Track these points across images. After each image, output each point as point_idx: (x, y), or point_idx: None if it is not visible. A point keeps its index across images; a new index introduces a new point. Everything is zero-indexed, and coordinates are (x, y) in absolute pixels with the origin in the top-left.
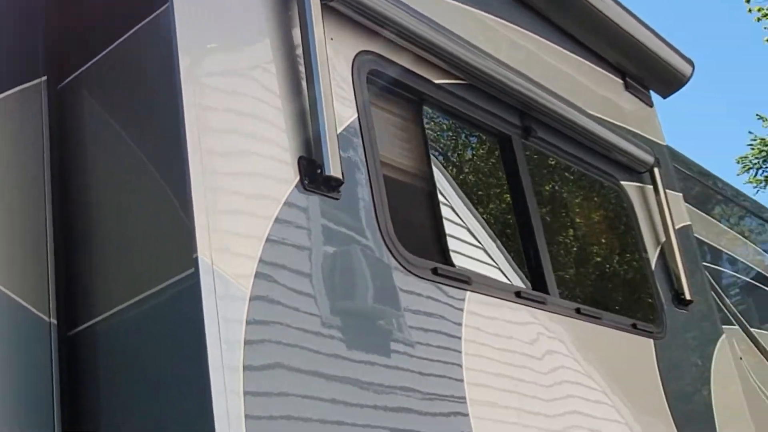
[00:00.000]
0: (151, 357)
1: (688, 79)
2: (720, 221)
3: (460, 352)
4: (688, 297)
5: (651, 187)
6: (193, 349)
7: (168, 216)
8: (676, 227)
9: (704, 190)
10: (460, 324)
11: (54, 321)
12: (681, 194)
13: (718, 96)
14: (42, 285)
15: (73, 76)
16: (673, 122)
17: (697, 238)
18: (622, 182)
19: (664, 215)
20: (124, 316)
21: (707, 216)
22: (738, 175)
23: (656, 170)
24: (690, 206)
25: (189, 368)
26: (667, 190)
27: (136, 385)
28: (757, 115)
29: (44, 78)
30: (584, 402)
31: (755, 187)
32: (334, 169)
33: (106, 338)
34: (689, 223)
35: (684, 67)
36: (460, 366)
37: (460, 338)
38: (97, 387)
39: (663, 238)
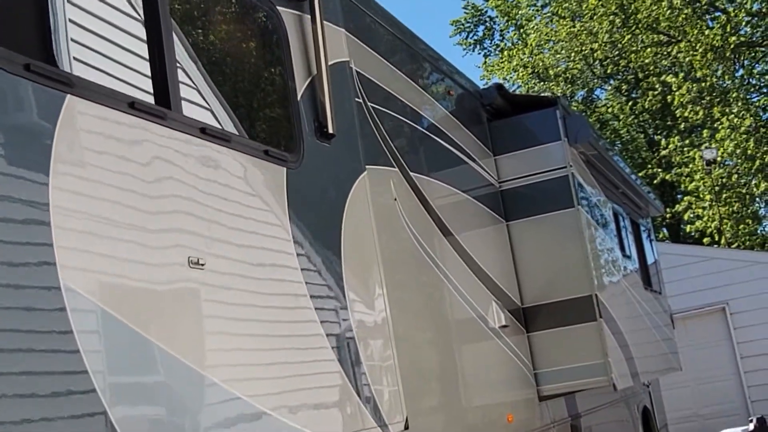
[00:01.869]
0: None
1: None
2: (399, 68)
3: (48, 166)
4: (330, 131)
5: (309, 17)
6: None
7: None
8: (331, 62)
9: (387, 34)
10: (52, 132)
11: None
12: (343, 30)
13: None
14: None
15: None
16: None
17: (368, 78)
18: (279, 7)
19: (318, 47)
20: None
21: (384, 59)
22: (450, 36)
23: (316, 1)
24: (367, 47)
25: None
26: (328, 23)
27: None
28: None
29: None
30: (194, 222)
31: (464, 49)
32: None
33: None
34: (347, 59)
35: None
36: (46, 185)
37: (50, 149)
38: None
39: (315, 71)
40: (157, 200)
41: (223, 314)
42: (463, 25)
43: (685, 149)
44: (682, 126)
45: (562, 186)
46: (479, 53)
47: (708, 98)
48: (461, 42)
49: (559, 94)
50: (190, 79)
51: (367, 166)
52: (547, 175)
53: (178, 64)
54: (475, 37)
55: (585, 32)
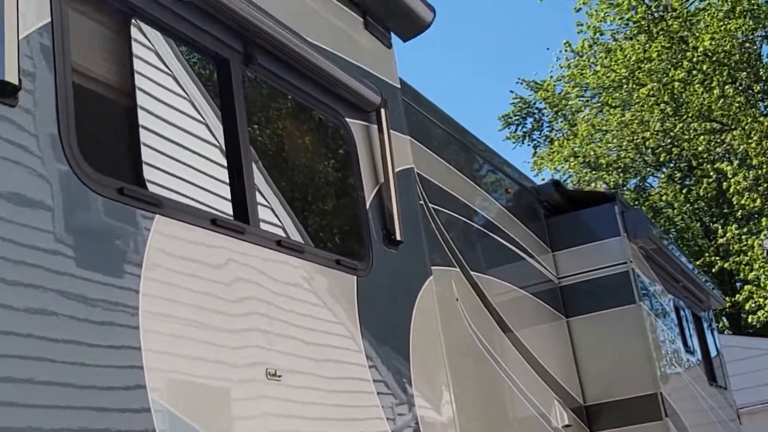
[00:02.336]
0: None
1: (429, 24)
2: (456, 167)
3: (139, 277)
4: (398, 238)
5: (377, 127)
6: None
7: None
8: (397, 169)
9: (445, 136)
10: (143, 250)
11: None
12: (408, 138)
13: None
14: None
15: None
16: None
17: (429, 181)
18: (348, 119)
19: (385, 156)
20: None
21: (443, 161)
22: (499, 130)
23: (383, 111)
24: (427, 149)
25: None
26: (394, 132)
27: None
28: (518, 79)
29: None
30: (275, 336)
31: (514, 142)
32: (9, 73)
33: None
34: (412, 166)
35: (425, 12)
36: (137, 293)
37: (140, 265)
38: None
39: (382, 179)
40: (236, 315)
41: (299, 427)
42: (511, 118)
43: (743, 237)
44: (739, 213)
45: (623, 282)
46: (528, 145)
47: (765, 185)
48: (510, 135)
49: (615, 189)
50: (265, 192)
51: (431, 268)
52: (607, 271)
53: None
54: (524, 130)
55: (636, 121)
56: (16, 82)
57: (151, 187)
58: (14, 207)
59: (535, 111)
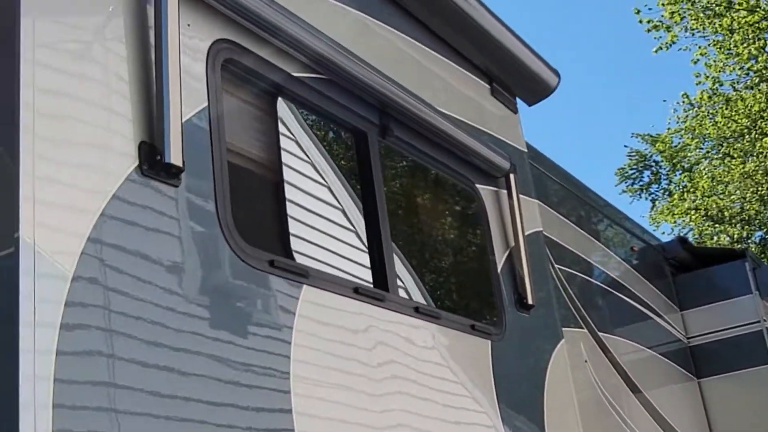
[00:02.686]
0: None
1: (554, 89)
2: (580, 226)
3: (289, 344)
4: (530, 301)
5: (506, 191)
6: (4, 332)
7: None
8: (527, 233)
9: (567, 194)
10: (292, 317)
11: None
12: (536, 201)
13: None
14: None
15: None
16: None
17: (554, 241)
18: (478, 185)
19: (515, 220)
20: None
21: (567, 220)
22: (616, 185)
23: (512, 176)
24: (550, 209)
25: None
26: (522, 196)
27: None
28: (632, 133)
29: None
30: (414, 400)
31: (631, 196)
32: (174, 156)
33: None
34: (540, 229)
35: (550, 78)
36: (288, 358)
37: (290, 332)
38: None
39: (512, 243)
40: (379, 379)
41: None
42: (627, 172)
43: None
44: None
45: (757, 341)
46: (646, 198)
47: None
48: (627, 189)
49: (745, 246)
50: (402, 259)
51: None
52: (739, 330)
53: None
54: (641, 183)
55: (760, 172)
56: (180, 164)
57: (298, 258)
58: (177, 277)
59: (652, 164)
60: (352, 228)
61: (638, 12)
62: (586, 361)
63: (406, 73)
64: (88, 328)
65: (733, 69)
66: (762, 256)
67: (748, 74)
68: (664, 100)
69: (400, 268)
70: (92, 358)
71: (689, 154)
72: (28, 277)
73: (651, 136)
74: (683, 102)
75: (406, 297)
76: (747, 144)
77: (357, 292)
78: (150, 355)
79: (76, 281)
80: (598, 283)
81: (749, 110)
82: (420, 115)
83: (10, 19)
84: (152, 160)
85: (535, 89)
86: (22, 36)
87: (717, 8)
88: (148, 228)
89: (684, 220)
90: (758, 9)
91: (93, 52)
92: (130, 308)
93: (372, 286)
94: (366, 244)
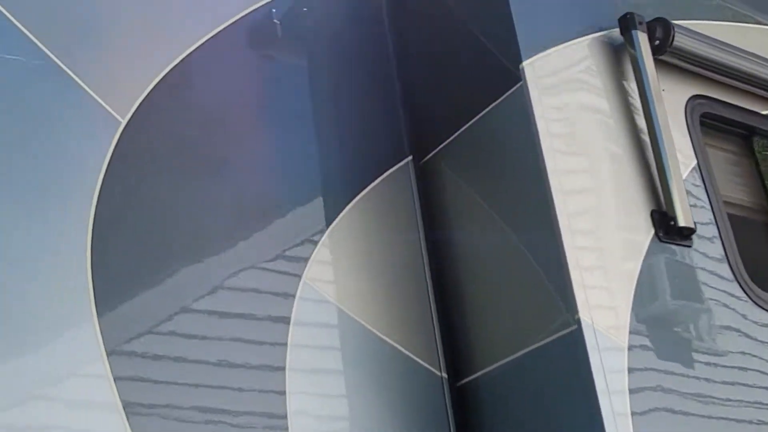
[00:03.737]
0: (536, 405)
1: None
2: None
3: None
4: None
5: None
6: (583, 399)
7: (540, 279)
8: None
9: None
10: None
11: (445, 375)
12: None
13: None
14: (431, 344)
15: (434, 152)
16: None
17: None
18: None
19: None
20: (507, 368)
21: None
22: None
23: None
24: None
25: (579, 416)
26: None
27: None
28: None
29: (410, 157)
30: None
31: None
32: (685, 219)
33: (491, 389)
34: None
35: None
36: None
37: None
38: None
39: None
40: None
41: None
42: None
43: None
44: None
45: None
46: None
47: None
48: None
49: None
50: None
51: None
52: None
53: None
54: None
55: None
56: (692, 226)
57: None
58: (704, 332)
59: None
60: None
61: None
62: None
63: None
64: (652, 390)
65: None
66: None
67: None
68: None
69: None
70: (659, 414)
71: None
72: (594, 352)
73: None
74: None
75: None
76: None
77: None
78: (699, 407)
79: (631, 350)
80: None
81: None
82: None
83: (526, 124)
84: (667, 226)
85: None
86: (540, 134)
87: None
88: (674, 293)
89: None
90: None
91: (592, 131)
92: (676, 368)
93: None
94: None
